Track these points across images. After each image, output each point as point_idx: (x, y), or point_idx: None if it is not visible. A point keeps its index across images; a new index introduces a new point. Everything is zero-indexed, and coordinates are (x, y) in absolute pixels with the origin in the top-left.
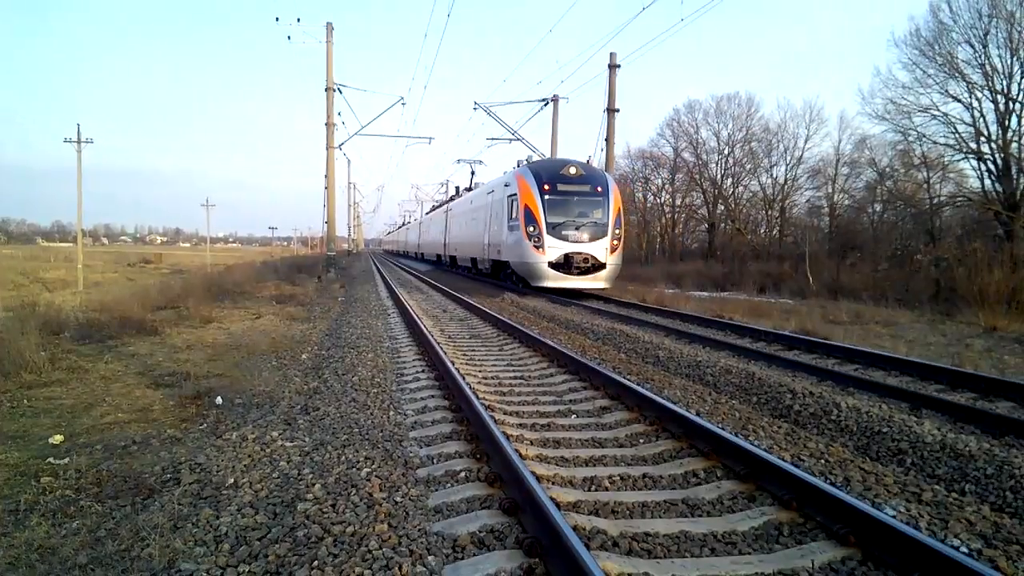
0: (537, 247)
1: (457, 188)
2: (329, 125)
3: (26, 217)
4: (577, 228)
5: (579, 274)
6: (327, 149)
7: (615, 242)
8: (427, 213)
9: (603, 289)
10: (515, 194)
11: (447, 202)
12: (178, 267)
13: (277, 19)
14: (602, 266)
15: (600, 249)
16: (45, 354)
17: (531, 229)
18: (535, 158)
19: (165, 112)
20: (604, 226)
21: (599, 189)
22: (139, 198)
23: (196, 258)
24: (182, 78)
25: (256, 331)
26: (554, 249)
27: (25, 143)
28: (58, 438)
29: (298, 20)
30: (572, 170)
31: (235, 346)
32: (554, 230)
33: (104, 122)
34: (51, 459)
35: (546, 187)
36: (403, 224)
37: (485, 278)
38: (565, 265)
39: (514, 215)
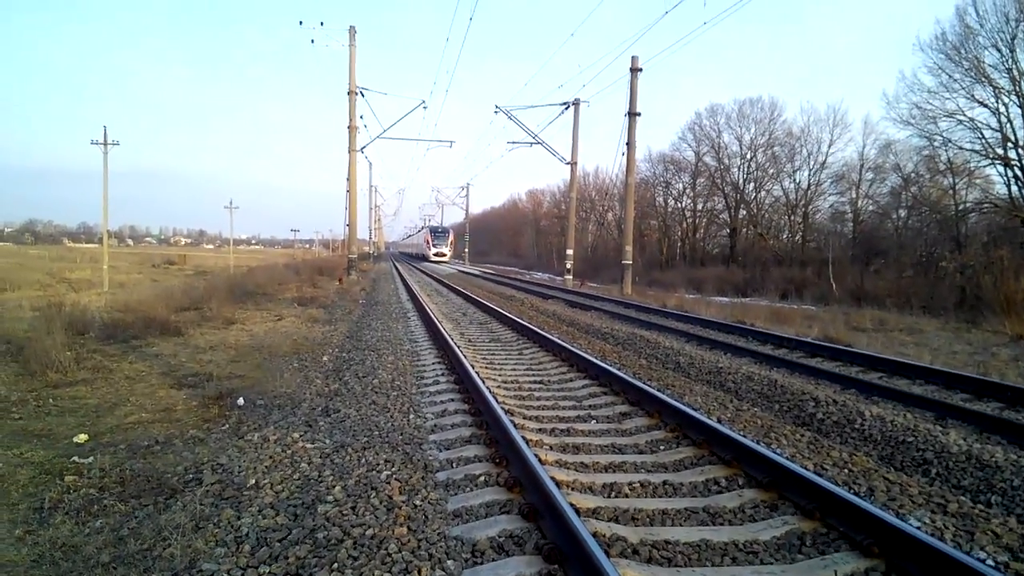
0: (429, 250)
1: (427, 223)
2: (351, 128)
3: (53, 218)
4: (438, 242)
5: (440, 258)
6: (349, 152)
7: (450, 248)
8: (417, 232)
9: (447, 260)
10: (424, 234)
11: (420, 231)
12: (202, 268)
13: (301, 23)
14: (445, 255)
15: (445, 249)
16: (71, 354)
17: (427, 244)
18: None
19: (190, 115)
20: (447, 243)
21: (447, 234)
22: (164, 200)
23: (219, 260)
24: (207, 81)
25: (278, 333)
26: (434, 249)
27: (52, 145)
28: (83, 437)
29: (321, 24)
30: (440, 229)
31: (257, 347)
32: (434, 244)
33: (130, 124)
34: (76, 458)
35: (433, 233)
36: (409, 235)
37: (442, 264)
38: (436, 254)
39: (426, 240)
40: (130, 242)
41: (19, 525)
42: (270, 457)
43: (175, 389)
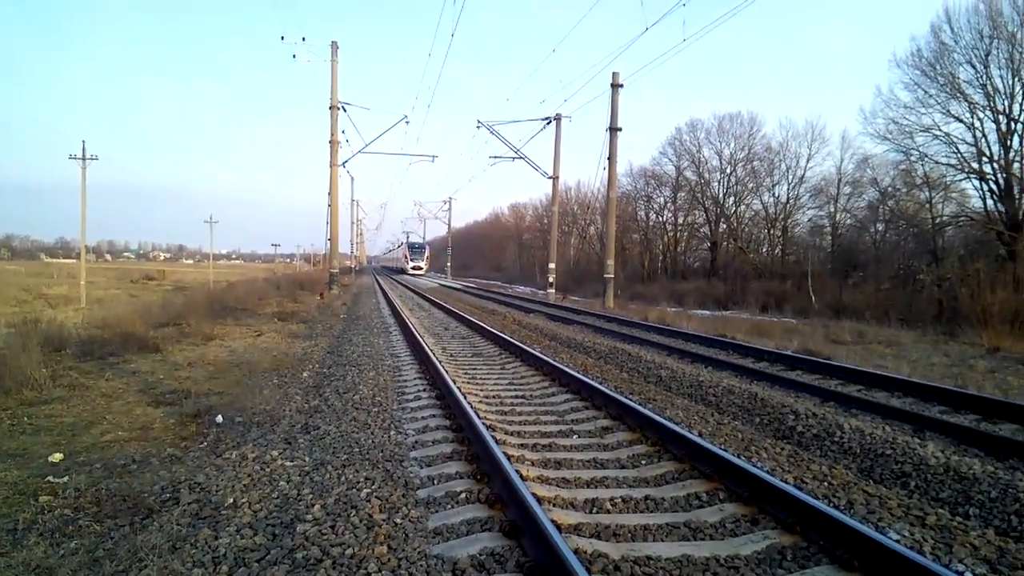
0: (408, 263)
1: (408, 238)
2: (333, 143)
3: (30, 233)
4: (415, 257)
5: (417, 271)
6: (331, 167)
7: (426, 262)
8: (397, 248)
9: (423, 273)
10: (403, 250)
11: (400, 246)
12: (181, 284)
13: (282, 38)
14: (422, 268)
15: (422, 263)
16: (46, 371)
17: (406, 259)
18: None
19: (169, 129)
20: (423, 258)
21: (424, 249)
22: (143, 215)
23: (199, 275)
24: (187, 95)
25: (258, 348)
26: (412, 263)
27: (30, 159)
28: (58, 456)
29: (303, 39)
30: (417, 245)
31: (236, 364)
32: (412, 259)
33: (109, 139)
34: (50, 477)
35: (410, 248)
36: (390, 250)
37: (422, 278)
38: (413, 267)
39: (404, 255)
40: (108, 257)
41: None
42: (248, 475)
43: (152, 407)
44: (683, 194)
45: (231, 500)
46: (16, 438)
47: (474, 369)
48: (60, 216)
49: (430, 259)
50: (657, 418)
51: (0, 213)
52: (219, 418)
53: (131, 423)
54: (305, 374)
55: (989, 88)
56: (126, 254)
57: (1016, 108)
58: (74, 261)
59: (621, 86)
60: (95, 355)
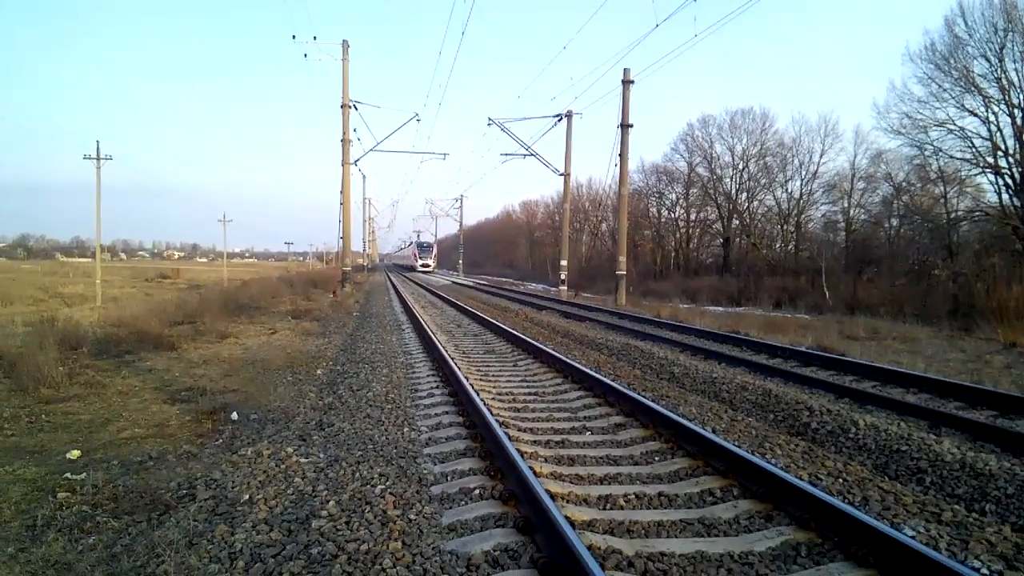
0: (417, 261)
1: (418, 236)
2: (345, 141)
3: (45, 233)
4: (424, 255)
5: (426, 268)
6: (343, 165)
7: (434, 260)
8: (407, 246)
9: (431, 270)
10: (413, 248)
11: (410, 245)
12: (195, 282)
13: (294, 37)
14: (430, 265)
15: (430, 261)
16: (63, 369)
17: (415, 257)
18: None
19: (183, 128)
20: (431, 256)
21: (431, 248)
22: (157, 214)
23: (213, 273)
24: (200, 95)
25: (272, 346)
26: (421, 261)
27: (45, 159)
28: (75, 453)
29: (314, 38)
30: (425, 244)
31: (251, 361)
32: (420, 257)
33: (123, 138)
34: (68, 474)
35: (419, 247)
36: (401, 248)
37: (431, 274)
38: (422, 265)
39: (414, 254)
40: (123, 256)
41: (11, 543)
42: (264, 472)
43: (168, 404)
44: (695, 190)
45: (247, 496)
46: (34, 435)
47: (487, 366)
48: (75, 216)
49: (440, 256)
50: (670, 415)
51: (16, 213)
52: (234, 415)
53: (147, 420)
54: (319, 371)
55: (1004, 82)
56: (141, 253)
57: None
58: (89, 260)
59: (632, 82)
60: (111, 353)
